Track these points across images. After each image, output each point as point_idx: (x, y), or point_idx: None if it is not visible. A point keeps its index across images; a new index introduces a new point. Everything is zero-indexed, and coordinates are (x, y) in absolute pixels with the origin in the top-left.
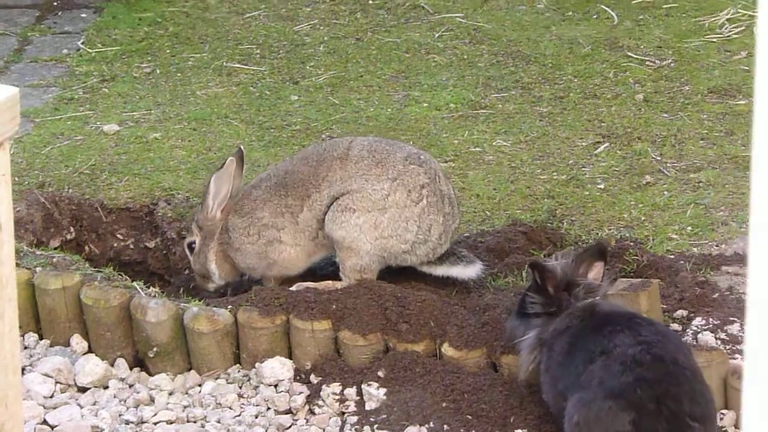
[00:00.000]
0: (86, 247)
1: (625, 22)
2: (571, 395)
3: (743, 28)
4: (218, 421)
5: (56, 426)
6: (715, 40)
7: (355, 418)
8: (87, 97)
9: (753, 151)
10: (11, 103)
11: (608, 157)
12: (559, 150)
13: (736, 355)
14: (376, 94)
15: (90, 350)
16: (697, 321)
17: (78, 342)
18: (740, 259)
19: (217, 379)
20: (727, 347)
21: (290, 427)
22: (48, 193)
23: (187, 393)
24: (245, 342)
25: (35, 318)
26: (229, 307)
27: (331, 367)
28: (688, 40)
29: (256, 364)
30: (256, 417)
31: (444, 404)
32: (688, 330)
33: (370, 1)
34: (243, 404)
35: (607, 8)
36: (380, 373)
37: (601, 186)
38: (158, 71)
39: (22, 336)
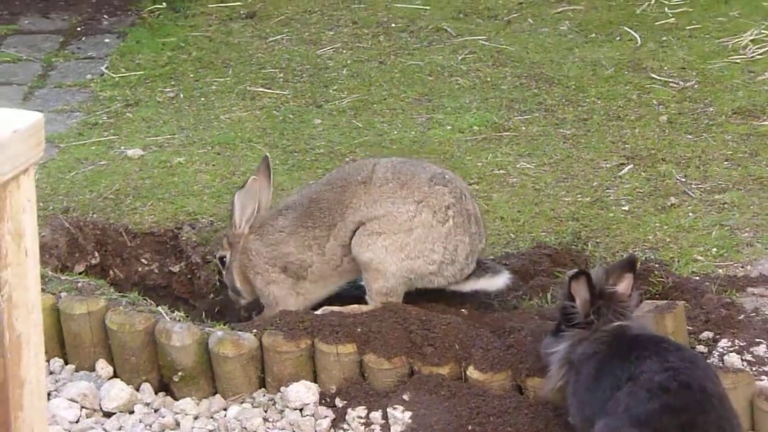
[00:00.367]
0: (111, 272)
1: (648, 44)
2: (598, 421)
3: (767, 48)
4: None
5: None
6: (738, 61)
7: None
8: (111, 122)
9: None
10: (36, 129)
11: (632, 178)
12: (583, 172)
13: (763, 377)
14: (399, 117)
15: (115, 375)
16: (723, 342)
17: (103, 367)
18: (766, 280)
19: (242, 403)
20: (754, 369)
21: None
22: (72, 218)
23: (212, 417)
24: (270, 366)
25: (60, 343)
26: (254, 331)
27: (356, 390)
28: (711, 61)
29: (282, 388)
30: None
31: (470, 427)
32: (714, 352)
33: (393, 24)
34: (268, 428)
35: (630, 30)
36: (405, 397)
37: (626, 208)
38: (182, 95)
39: (48, 361)
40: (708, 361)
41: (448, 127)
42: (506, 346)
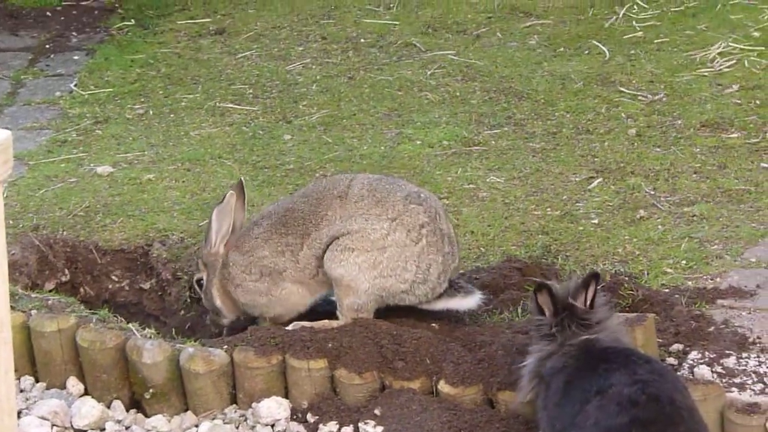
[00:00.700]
0: (81, 289)
1: (616, 58)
2: None
3: (734, 61)
4: None
5: None
6: (706, 74)
7: None
8: (80, 139)
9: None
10: (4, 146)
11: (602, 192)
12: (552, 185)
13: (733, 389)
14: (369, 132)
15: (86, 392)
16: (693, 355)
17: (74, 384)
18: (735, 292)
19: (213, 419)
20: (724, 381)
21: None
22: (42, 236)
23: None
24: (241, 382)
25: (31, 361)
26: (225, 347)
27: (327, 405)
28: (679, 74)
29: (253, 404)
30: None
31: None
32: (684, 364)
33: (362, 40)
34: None
35: (598, 44)
36: (377, 411)
37: (595, 221)
38: (151, 112)
39: (18, 379)
40: (678, 373)
41: (418, 142)
42: (477, 360)
